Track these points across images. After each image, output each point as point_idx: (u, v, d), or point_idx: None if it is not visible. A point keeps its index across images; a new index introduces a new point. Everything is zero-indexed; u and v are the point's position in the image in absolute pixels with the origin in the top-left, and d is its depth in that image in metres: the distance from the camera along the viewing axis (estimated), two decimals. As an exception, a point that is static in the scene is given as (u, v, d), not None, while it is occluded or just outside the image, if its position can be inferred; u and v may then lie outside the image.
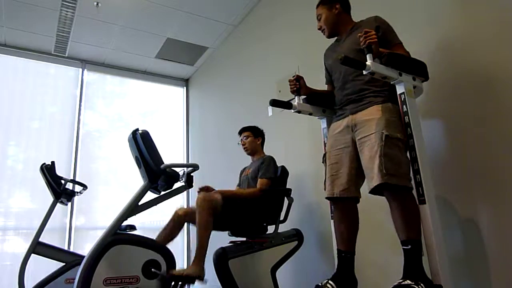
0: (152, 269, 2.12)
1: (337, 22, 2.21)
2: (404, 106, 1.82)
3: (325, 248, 2.79)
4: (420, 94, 1.95)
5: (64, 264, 3.19)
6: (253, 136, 2.99)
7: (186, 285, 2.16)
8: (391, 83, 1.85)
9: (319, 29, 2.29)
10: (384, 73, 1.76)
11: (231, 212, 2.48)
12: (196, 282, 2.15)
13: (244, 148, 2.96)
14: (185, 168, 2.38)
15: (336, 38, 2.28)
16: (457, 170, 2.05)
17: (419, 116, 1.86)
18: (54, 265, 3.21)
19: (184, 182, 2.41)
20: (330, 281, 1.93)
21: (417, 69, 1.90)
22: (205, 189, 2.62)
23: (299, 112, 2.29)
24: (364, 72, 1.73)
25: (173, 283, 2.14)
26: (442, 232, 1.70)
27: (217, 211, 2.38)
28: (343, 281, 1.94)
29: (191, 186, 2.55)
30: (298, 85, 2.24)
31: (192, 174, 2.44)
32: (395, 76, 1.80)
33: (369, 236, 2.34)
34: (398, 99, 1.84)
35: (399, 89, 1.84)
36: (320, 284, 1.90)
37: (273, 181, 2.72)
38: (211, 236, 2.62)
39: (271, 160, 2.82)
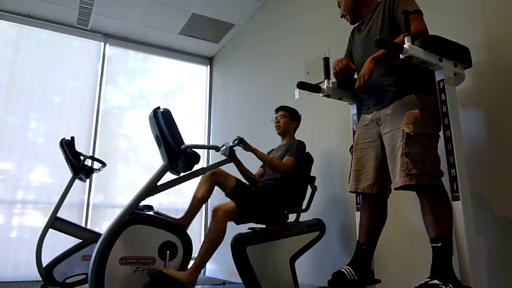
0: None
1: (357, 6, 2.18)
2: (443, 95, 1.75)
3: (348, 241, 2.78)
4: (461, 82, 1.87)
5: (81, 240, 3.29)
6: (289, 118, 2.95)
7: None
8: (430, 69, 1.79)
9: (341, 16, 2.27)
10: (422, 57, 1.70)
11: (251, 203, 2.47)
12: None
13: (276, 126, 2.93)
14: (228, 142, 2.54)
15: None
16: (494, 164, 1.98)
17: (458, 106, 1.79)
18: (71, 241, 3.32)
19: (226, 155, 2.54)
20: (346, 266, 1.95)
21: (459, 55, 1.83)
22: (236, 141, 2.57)
23: (328, 96, 2.27)
24: (401, 56, 1.68)
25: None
26: (475, 230, 1.66)
27: (234, 219, 2.40)
28: (358, 269, 1.95)
29: (233, 160, 2.62)
30: (347, 74, 2.15)
31: (234, 148, 2.55)
32: (435, 61, 1.74)
33: (394, 231, 2.31)
34: (437, 87, 1.78)
35: (438, 76, 1.78)
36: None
37: (298, 164, 2.69)
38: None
39: (302, 144, 2.80)
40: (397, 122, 1.84)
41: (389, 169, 1.87)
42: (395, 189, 1.81)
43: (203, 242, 2.28)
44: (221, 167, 2.60)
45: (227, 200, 2.47)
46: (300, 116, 3.02)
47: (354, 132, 2.29)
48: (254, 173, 2.86)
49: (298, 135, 3.03)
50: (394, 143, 1.83)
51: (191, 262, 2.23)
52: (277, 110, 3.00)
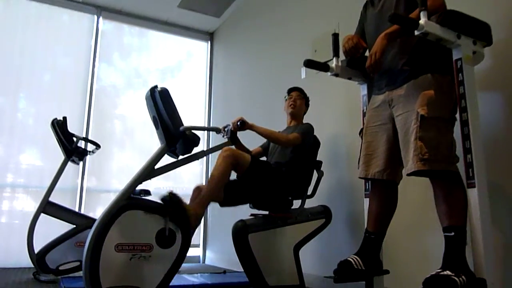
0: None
1: None
2: (460, 75, 1.74)
3: (355, 229, 2.79)
4: (480, 61, 1.85)
5: (74, 226, 3.33)
6: (304, 103, 3.00)
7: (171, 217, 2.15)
8: (447, 47, 1.77)
9: None
10: (439, 34, 1.68)
11: (255, 181, 2.49)
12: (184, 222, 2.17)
13: (291, 105, 2.93)
14: (230, 124, 2.56)
15: None
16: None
17: (476, 88, 1.78)
18: (64, 227, 3.36)
19: (228, 137, 2.55)
20: (353, 255, 1.97)
21: (479, 32, 1.81)
22: (239, 124, 2.58)
23: (336, 75, 2.27)
24: (416, 33, 1.66)
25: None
26: (491, 220, 1.67)
27: (241, 170, 2.41)
28: (365, 258, 1.97)
29: (235, 143, 2.64)
30: (357, 54, 2.13)
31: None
32: (453, 38, 1.72)
33: (405, 219, 2.32)
34: (454, 66, 1.77)
35: (456, 55, 1.77)
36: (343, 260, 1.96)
37: (303, 144, 2.69)
38: (229, 208, 2.66)
39: (310, 126, 2.81)
40: (411, 104, 1.83)
41: (401, 154, 1.87)
42: (408, 175, 1.82)
43: (209, 179, 2.37)
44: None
45: None
46: (308, 101, 3.06)
47: (364, 115, 2.29)
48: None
49: (304, 117, 3.03)
50: (407, 126, 1.82)
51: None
52: (292, 90, 3.01)
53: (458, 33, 1.73)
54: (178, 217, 2.14)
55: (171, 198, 2.13)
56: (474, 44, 1.79)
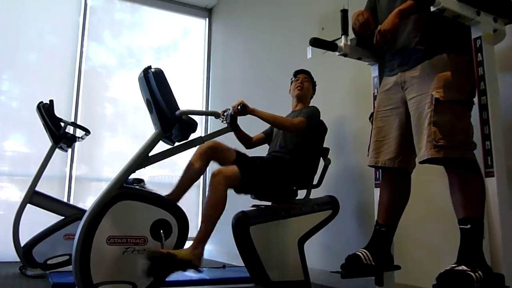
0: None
1: None
2: (479, 55, 1.74)
3: (364, 221, 2.81)
4: (501, 40, 1.85)
5: (63, 217, 3.35)
6: (311, 86, 3.01)
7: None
8: (466, 24, 1.76)
9: None
10: (457, 10, 1.67)
11: (256, 172, 2.50)
12: (188, 270, 2.16)
13: (298, 87, 2.93)
14: (230, 108, 2.54)
15: None
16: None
17: (497, 69, 1.77)
18: (52, 218, 3.38)
19: (227, 123, 2.54)
20: (362, 249, 1.99)
21: (501, 8, 1.79)
22: (239, 108, 2.55)
23: (345, 55, 2.26)
24: (432, 9, 1.65)
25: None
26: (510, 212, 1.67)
27: (235, 186, 2.41)
28: (375, 253, 1.98)
29: (235, 129, 2.65)
30: (368, 32, 2.09)
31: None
32: (471, 15, 1.71)
33: (418, 210, 2.33)
34: (472, 45, 1.76)
35: (475, 33, 1.76)
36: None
37: (309, 130, 2.69)
38: (230, 198, 2.66)
39: (317, 110, 2.81)
40: (425, 86, 1.83)
41: (414, 140, 1.88)
42: (420, 162, 1.82)
43: (203, 213, 2.34)
44: (219, 139, 2.59)
45: None
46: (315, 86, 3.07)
47: (374, 98, 2.29)
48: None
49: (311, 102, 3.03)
50: (420, 110, 1.82)
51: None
52: (299, 72, 3.02)
53: (478, 9, 1.72)
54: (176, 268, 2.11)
55: (160, 257, 2.07)
56: (495, 22, 1.78)
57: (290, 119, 2.73)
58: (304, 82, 2.96)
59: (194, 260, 2.14)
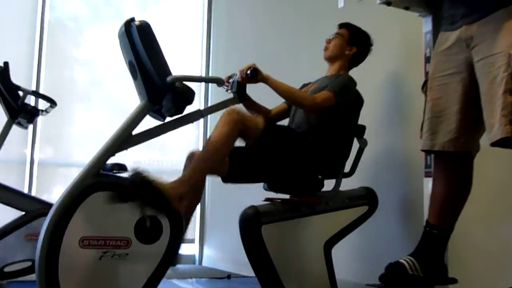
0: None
1: None
2: None
3: (410, 220, 2.81)
4: None
5: (23, 213, 3.36)
6: (347, 40, 2.92)
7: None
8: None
9: None
10: None
11: (270, 154, 2.48)
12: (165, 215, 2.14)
13: (324, 48, 2.93)
14: (236, 73, 2.49)
15: None
16: None
17: None
18: (9, 214, 3.40)
19: (234, 92, 2.49)
20: (407, 256, 2.01)
21: None
22: (249, 73, 2.53)
23: (388, 3, 2.23)
24: None
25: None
26: None
27: (251, 138, 2.38)
28: (424, 261, 1.98)
29: (244, 100, 2.57)
30: None
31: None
32: None
33: (480, 208, 2.31)
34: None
35: None
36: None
37: (338, 106, 2.66)
38: (235, 189, 2.66)
39: (349, 79, 2.77)
40: (499, 43, 1.80)
41: (484, 114, 1.85)
42: (491, 144, 1.80)
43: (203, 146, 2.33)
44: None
45: None
46: (368, 42, 2.96)
47: (427, 60, 2.26)
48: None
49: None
50: (493, 74, 1.80)
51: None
52: (339, 26, 2.98)
53: None
54: (153, 203, 2.09)
55: (141, 179, 2.07)
56: None
57: (312, 96, 2.67)
58: (332, 40, 2.92)
59: (174, 199, 2.10)
